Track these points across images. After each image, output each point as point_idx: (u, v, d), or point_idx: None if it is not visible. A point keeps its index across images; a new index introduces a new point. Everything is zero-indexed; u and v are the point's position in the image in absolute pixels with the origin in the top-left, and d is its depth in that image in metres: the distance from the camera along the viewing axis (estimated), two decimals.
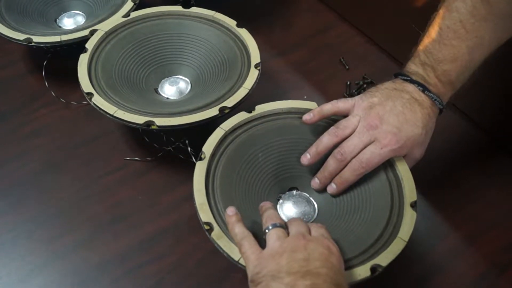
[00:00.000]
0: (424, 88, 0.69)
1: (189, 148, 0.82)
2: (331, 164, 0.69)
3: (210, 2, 0.95)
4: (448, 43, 0.68)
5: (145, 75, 0.88)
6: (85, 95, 0.78)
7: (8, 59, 1.01)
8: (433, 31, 0.70)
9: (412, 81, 0.70)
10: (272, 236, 0.58)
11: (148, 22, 0.91)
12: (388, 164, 0.70)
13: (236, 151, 0.72)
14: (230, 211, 0.62)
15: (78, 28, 0.93)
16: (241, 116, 0.75)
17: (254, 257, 0.56)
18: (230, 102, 0.77)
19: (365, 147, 0.67)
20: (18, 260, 0.73)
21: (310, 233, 0.59)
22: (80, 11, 1.04)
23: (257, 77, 0.81)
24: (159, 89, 0.89)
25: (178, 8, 0.92)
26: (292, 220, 0.62)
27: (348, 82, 0.96)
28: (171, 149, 0.84)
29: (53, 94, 0.93)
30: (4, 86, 0.97)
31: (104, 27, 0.88)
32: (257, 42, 0.86)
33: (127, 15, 0.91)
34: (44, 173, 0.83)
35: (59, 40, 0.87)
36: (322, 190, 0.72)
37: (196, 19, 0.91)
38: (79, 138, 0.88)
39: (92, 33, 0.87)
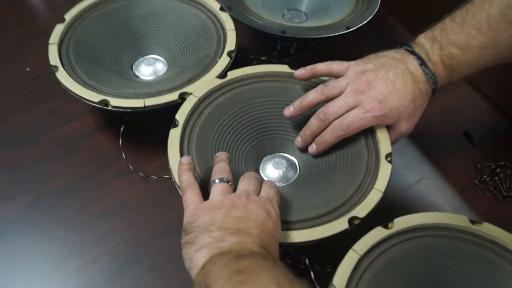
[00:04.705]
0: (422, 63, 0.68)
1: None
2: (313, 123, 0.69)
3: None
4: (466, 29, 0.67)
5: None
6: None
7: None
8: (458, 13, 0.68)
9: (413, 53, 0.69)
10: (216, 190, 0.57)
11: None
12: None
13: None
14: (185, 159, 0.61)
15: (164, 89, 0.76)
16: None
17: (193, 206, 0.56)
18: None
19: (349, 110, 0.67)
20: None
21: (258, 193, 0.59)
22: (160, 56, 0.89)
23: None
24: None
25: None
26: (246, 175, 0.61)
27: None
28: None
29: (131, 167, 0.78)
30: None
31: (197, 91, 0.72)
32: None
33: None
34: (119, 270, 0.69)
35: (142, 105, 0.72)
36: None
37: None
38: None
39: (183, 97, 0.73)
